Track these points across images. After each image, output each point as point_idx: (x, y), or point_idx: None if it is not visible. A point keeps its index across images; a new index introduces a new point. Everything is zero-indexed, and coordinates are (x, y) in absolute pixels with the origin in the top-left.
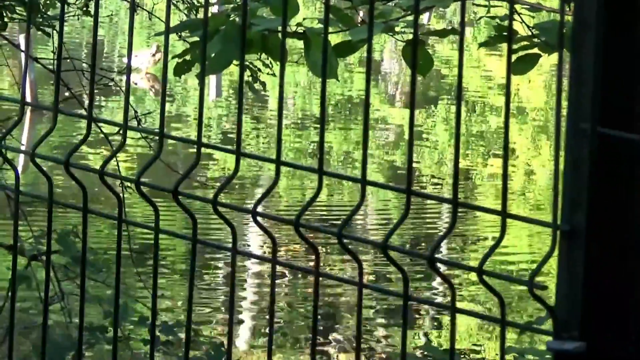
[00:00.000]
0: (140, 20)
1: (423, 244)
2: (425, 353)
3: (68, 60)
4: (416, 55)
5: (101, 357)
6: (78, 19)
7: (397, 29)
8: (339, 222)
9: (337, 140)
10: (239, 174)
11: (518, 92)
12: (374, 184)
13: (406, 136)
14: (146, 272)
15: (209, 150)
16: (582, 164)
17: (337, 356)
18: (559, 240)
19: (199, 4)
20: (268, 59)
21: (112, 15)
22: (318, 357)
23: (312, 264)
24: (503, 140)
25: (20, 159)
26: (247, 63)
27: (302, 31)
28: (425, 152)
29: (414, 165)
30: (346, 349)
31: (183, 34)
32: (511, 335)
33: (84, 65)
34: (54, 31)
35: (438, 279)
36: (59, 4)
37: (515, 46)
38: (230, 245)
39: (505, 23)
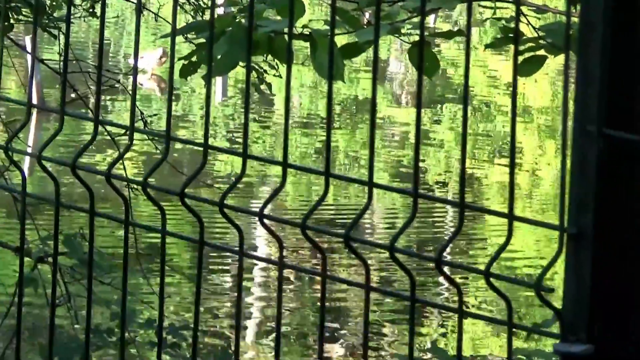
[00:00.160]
0: (146, 21)
1: (429, 246)
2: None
3: (74, 62)
4: (423, 57)
5: None
6: (84, 20)
7: (403, 30)
8: (344, 222)
9: (343, 140)
10: (245, 175)
11: (524, 93)
12: (381, 186)
13: (412, 136)
14: (152, 273)
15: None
16: (589, 166)
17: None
18: (566, 242)
19: (204, 6)
20: (274, 60)
21: (117, 16)
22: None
23: (318, 266)
24: (510, 143)
25: (26, 161)
26: (253, 64)
27: (308, 33)
28: (431, 153)
29: (420, 166)
30: (353, 352)
31: (189, 35)
32: (518, 338)
33: (90, 67)
34: (60, 32)
35: (444, 281)
36: (64, 5)
37: (521, 48)
38: (237, 247)
39: (512, 25)
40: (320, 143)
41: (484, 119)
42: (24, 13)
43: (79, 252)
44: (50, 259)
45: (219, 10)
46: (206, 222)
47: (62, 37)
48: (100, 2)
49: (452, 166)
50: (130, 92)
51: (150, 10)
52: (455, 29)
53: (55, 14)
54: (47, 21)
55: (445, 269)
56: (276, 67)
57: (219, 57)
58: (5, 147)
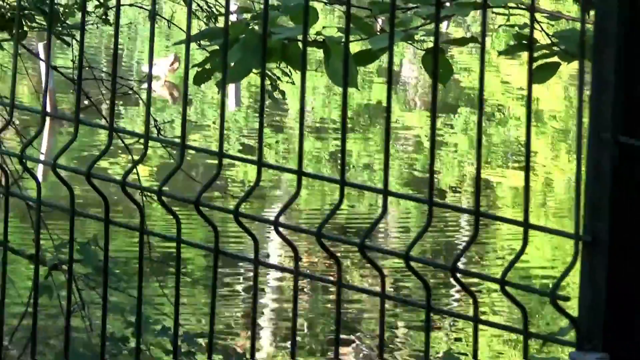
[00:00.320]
0: (159, 27)
1: (443, 253)
2: None
3: (87, 69)
4: (437, 65)
5: None
6: (97, 27)
7: (416, 37)
8: (357, 229)
9: (357, 147)
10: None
11: (537, 98)
12: (397, 194)
13: (425, 143)
14: (166, 279)
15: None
16: (604, 173)
17: None
18: (581, 250)
19: (217, 13)
20: (287, 67)
21: (130, 23)
22: None
23: (330, 269)
24: (525, 151)
25: (40, 168)
26: (266, 71)
27: (321, 40)
28: (444, 158)
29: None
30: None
31: (202, 42)
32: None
33: (103, 73)
34: (74, 40)
35: (458, 289)
36: (78, 13)
37: (535, 54)
38: (251, 255)
39: (525, 31)
40: (334, 147)
41: (496, 124)
42: (37, 21)
43: (94, 259)
44: (63, 266)
45: (232, 18)
46: (220, 228)
47: (75, 44)
48: (112, 8)
49: (465, 172)
50: (143, 99)
51: (163, 17)
52: (468, 35)
53: (68, 21)
54: (60, 29)
55: (458, 276)
56: (289, 74)
57: (232, 64)
58: (20, 155)
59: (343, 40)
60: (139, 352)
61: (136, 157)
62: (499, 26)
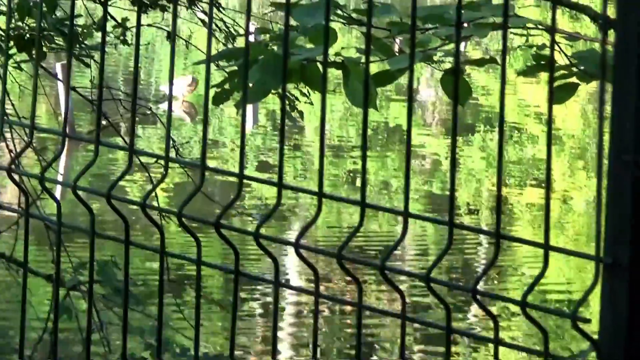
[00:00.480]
0: (177, 47)
1: (460, 272)
2: None
3: (105, 89)
4: (457, 86)
5: None
6: (115, 47)
7: (435, 57)
8: (374, 250)
9: (374, 167)
10: (275, 201)
11: (554, 118)
12: (417, 216)
13: (443, 162)
14: (182, 297)
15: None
16: (625, 195)
17: None
18: (602, 272)
19: (236, 33)
20: (305, 87)
21: (148, 43)
22: None
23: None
24: (545, 173)
25: (58, 188)
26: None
27: (340, 60)
28: (462, 180)
29: None
30: None
31: (221, 62)
32: None
33: (121, 94)
34: (93, 61)
35: (475, 310)
36: (95, 33)
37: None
38: (271, 275)
39: (543, 52)
40: (351, 165)
41: (513, 143)
42: (56, 42)
43: (113, 280)
44: (82, 287)
45: (250, 38)
46: (239, 249)
47: (93, 64)
48: (130, 29)
49: (483, 193)
50: (160, 119)
51: (181, 38)
52: (486, 55)
53: (86, 42)
54: (79, 49)
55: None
56: (307, 94)
57: (251, 84)
58: (41, 177)
59: (362, 60)
60: None
61: (153, 175)
62: (517, 46)
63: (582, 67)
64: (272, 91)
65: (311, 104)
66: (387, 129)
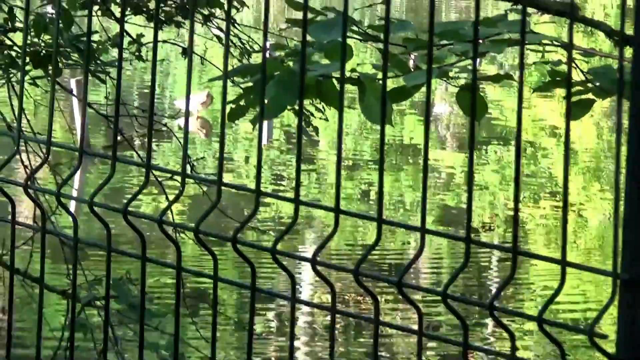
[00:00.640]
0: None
1: (473, 288)
2: None
3: (120, 104)
4: (475, 103)
5: None
6: (130, 63)
7: (450, 73)
8: (388, 265)
9: (388, 181)
10: (289, 217)
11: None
12: (433, 232)
13: (457, 178)
14: (198, 315)
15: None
16: None
17: None
18: (619, 288)
19: (251, 49)
20: (320, 103)
21: (163, 60)
22: None
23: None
24: (563, 190)
25: (72, 203)
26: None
27: (356, 77)
28: (476, 195)
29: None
30: None
31: (236, 78)
32: None
33: (135, 110)
34: (108, 77)
35: (490, 326)
36: (110, 49)
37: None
38: (287, 292)
39: (558, 68)
40: (365, 182)
41: (527, 159)
42: (72, 58)
43: (128, 296)
44: (97, 302)
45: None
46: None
47: (109, 80)
48: (145, 45)
49: (497, 208)
50: (176, 136)
51: (196, 54)
52: (501, 71)
53: (101, 58)
54: (94, 65)
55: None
56: (322, 110)
57: (266, 100)
58: (58, 193)
59: (377, 76)
60: None
61: (168, 190)
62: (533, 63)
63: (597, 83)
64: (288, 107)
65: (327, 120)
66: (401, 143)
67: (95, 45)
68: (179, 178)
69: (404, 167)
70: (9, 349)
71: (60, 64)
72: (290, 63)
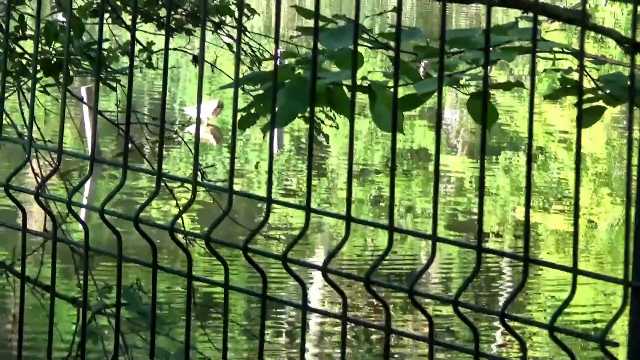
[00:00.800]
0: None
1: (483, 296)
2: None
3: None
4: (486, 111)
5: None
6: (141, 71)
7: (461, 81)
8: (399, 273)
9: (398, 189)
10: (298, 224)
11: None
12: (445, 240)
13: (467, 185)
14: (209, 325)
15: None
16: None
17: None
18: (630, 296)
19: (262, 57)
20: (330, 110)
21: (174, 67)
22: None
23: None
24: (574, 198)
25: (82, 211)
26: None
27: (367, 84)
28: (486, 202)
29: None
30: None
31: (246, 86)
32: None
33: (146, 117)
34: (119, 85)
35: (498, 334)
36: (121, 57)
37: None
38: (297, 300)
39: (569, 76)
40: (375, 189)
41: (538, 166)
42: (83, 66)
43: (139, 304)
44: (107, 310)
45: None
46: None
47: (119, 88)
48: (156, 52)
49: (507, 215)
50: (185, 143)
51: (207, 62)
52: (511, 78)
53: (112, 66)
54: (105, 73)
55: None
56: (333, 117)
57: (277, 108)
58: (68, 201)
59: (388, 84)
60: None
61: (178, 196)
62: (544, 70)
63: (608, 91)
64: (298, 115)
65: (337, 127)
66: (411, 151)
67: (105, 53)
68: (189, 186)
69: (414, 173)
70: (19, 356)
71: (71, 72)
72: (301, 71)
